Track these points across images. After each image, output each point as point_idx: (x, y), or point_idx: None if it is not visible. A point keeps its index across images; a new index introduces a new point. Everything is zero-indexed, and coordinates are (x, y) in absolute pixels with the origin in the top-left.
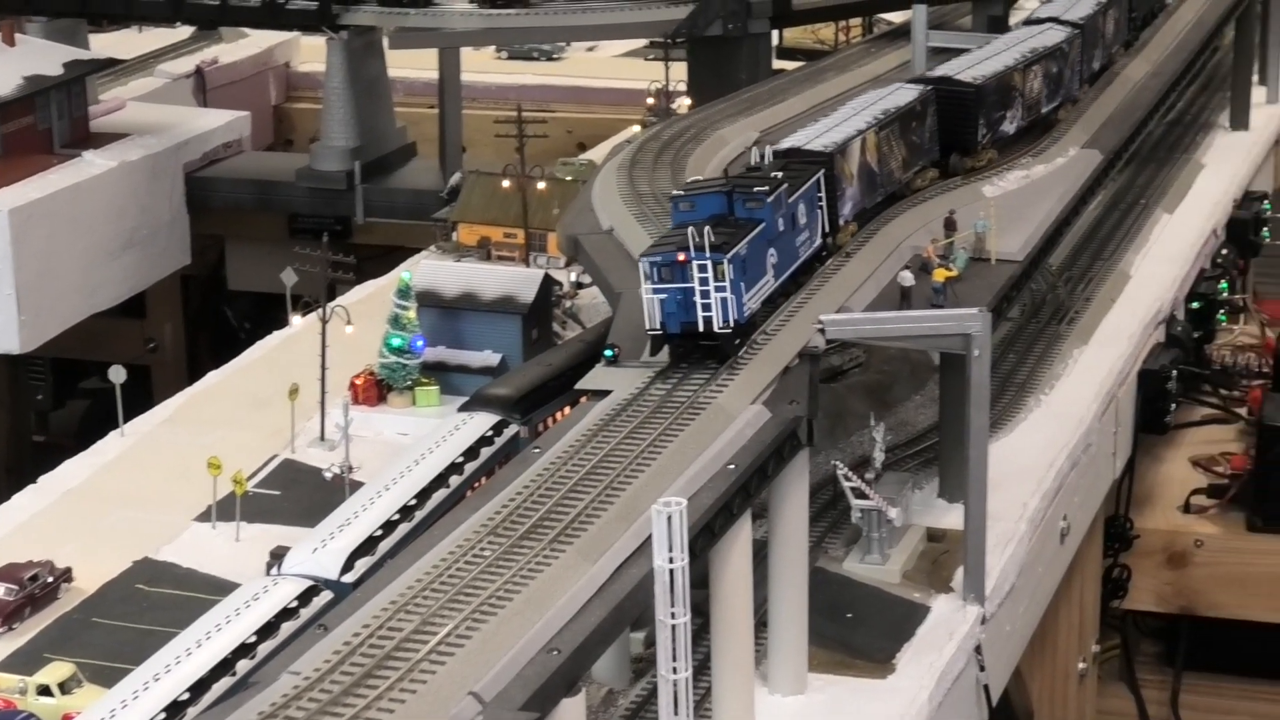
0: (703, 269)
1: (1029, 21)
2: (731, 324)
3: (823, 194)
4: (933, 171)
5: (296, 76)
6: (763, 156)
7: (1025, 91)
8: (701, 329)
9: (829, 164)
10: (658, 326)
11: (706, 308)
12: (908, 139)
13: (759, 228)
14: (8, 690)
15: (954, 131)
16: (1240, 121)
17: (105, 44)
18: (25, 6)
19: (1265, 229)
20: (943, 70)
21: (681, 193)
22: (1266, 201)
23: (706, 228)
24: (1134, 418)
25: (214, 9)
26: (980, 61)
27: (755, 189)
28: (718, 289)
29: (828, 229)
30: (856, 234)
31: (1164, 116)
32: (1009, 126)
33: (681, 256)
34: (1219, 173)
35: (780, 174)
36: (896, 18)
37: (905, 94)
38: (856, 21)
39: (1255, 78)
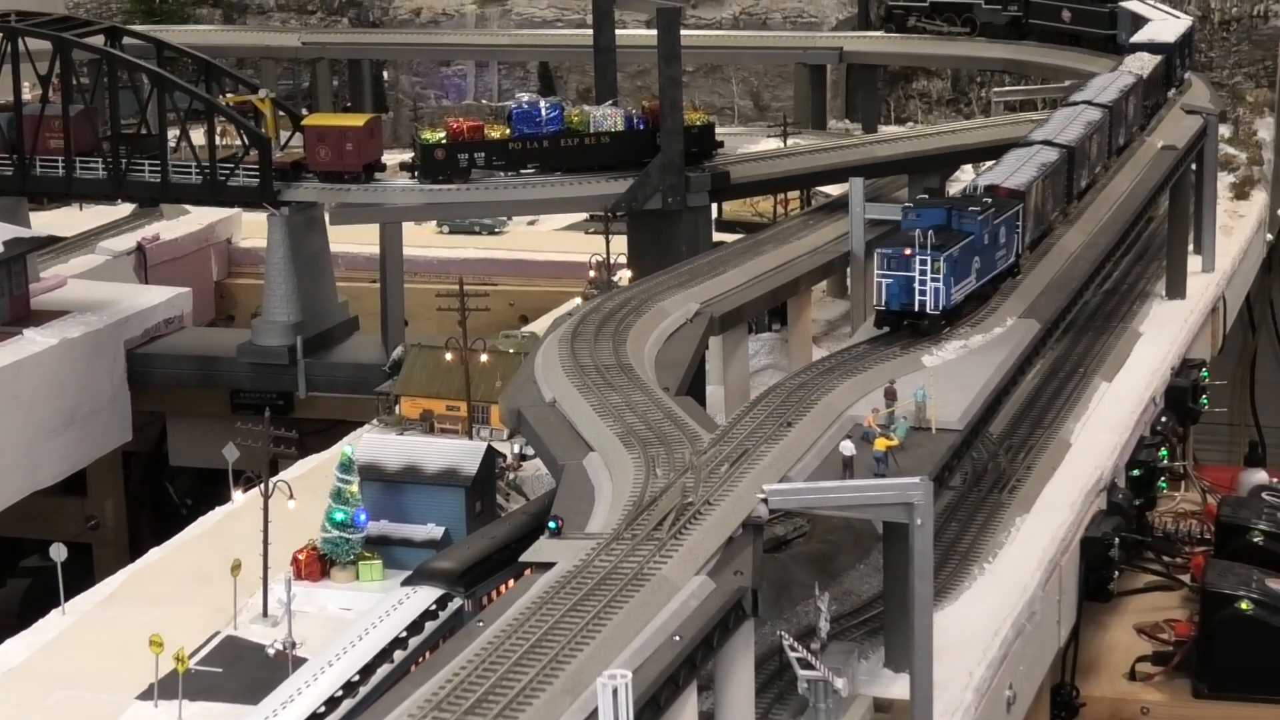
0: (923, 263)
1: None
2: (940, 309)
3: (1020, 223)
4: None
5: (238, 252)
6: (974, 188)
7: (1092, 154)
8: (916, 309)
9: (1024, 198)
10: (882, 304)
11: (923, 293)
12: (1055, 189)
13: (969, 238)
14: None
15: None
16: (1176, 290)
17: (46, 221)
18: None
19: (1204, 396)
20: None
21: (911, 204)
22: (1204, 369)
23: (930, 230)
24: (1077, 585)
25: (154, 186)
26: (1061, 131)
27: (970, 208)
28: (933, 279)
29: (1019, 250)
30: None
31: (1100, 286)
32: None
33: (908, 251)
34: (1157, 341)
35: (988, 200)
36: (833, 190)
37: (1049, 153)
38: (794, 194)
39: (1190, 247)
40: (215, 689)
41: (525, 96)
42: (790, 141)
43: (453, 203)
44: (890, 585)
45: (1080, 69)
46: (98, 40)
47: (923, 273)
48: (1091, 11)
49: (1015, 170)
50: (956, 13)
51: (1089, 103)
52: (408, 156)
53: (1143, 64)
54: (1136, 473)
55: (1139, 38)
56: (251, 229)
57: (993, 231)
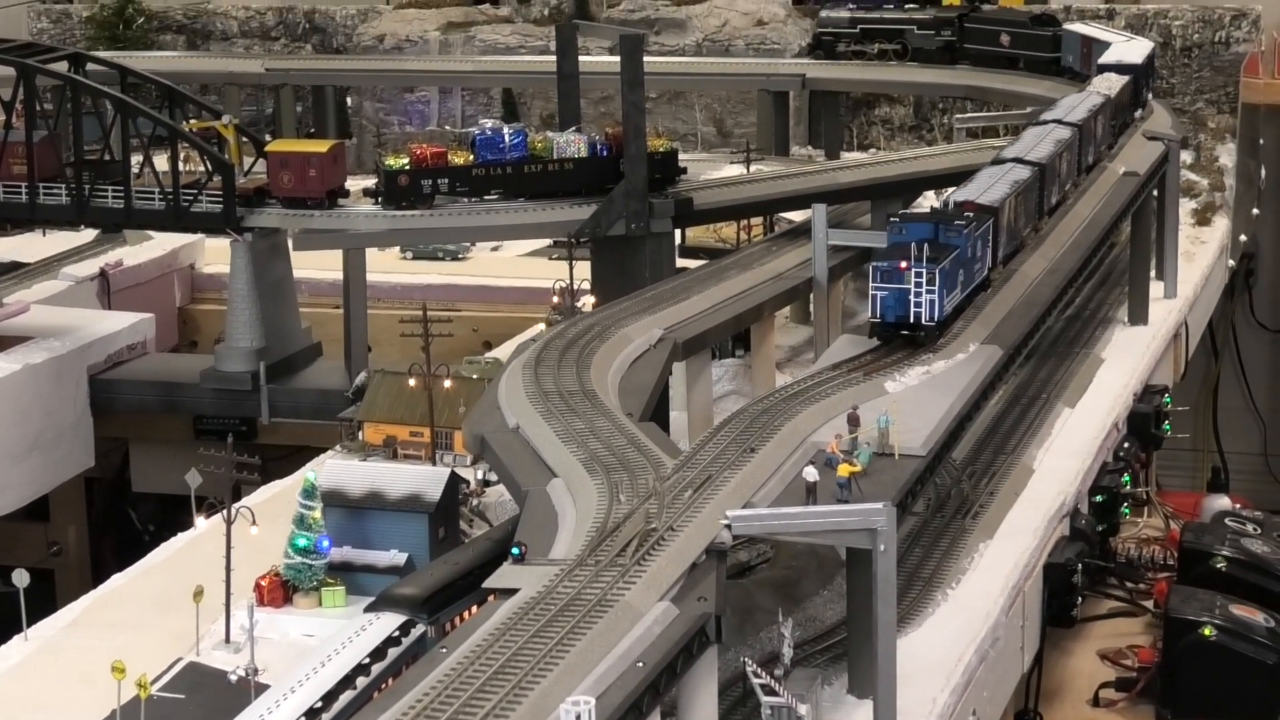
0: (918, 275)
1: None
2: (935, 320)
3: (993, 238)
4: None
5: (201, 278)
6: (947, 203)
7: (1062, 171)
8: (911, 321)
9: (996, 214)
10: (877, 317)
11: (918, 305)
12: (1027, 205)
13: (956, 251)
14: None
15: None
16: (1139, 316)
17: (8, 247)
18: None
19: (1166, 422)
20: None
21: (897, 219)
22: (1167, 395)
23: (925, 243)
24: (1041, 611)
25: (118, 211)
26: (1032, 149)
27: (956, 222)
28: (928, 291)
29: (992, 264)
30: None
31: (1063, 312)
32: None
33: (903, 264)
34: (1119, 367)
35: (970, 215)
36: (796, 216)
37: (1020, 170)
38: (757, 220)
39: (1152, 273)
40: (177, 715)
41: (489, 123)
42: (753, 168)
43: (416, 228)
44: (853, 611)
45: (1042, 95)
46: (61, 66)
47: (918, 285)
48: (1033, 35)
49: (988, 187)
50: (887, 38)
51: (1059, 121)
52: (371, 182)
53: (1110, 85)
54: (1099, 499)
55: (1106, 58)
56: (215, 255)
57: (972, 245)
